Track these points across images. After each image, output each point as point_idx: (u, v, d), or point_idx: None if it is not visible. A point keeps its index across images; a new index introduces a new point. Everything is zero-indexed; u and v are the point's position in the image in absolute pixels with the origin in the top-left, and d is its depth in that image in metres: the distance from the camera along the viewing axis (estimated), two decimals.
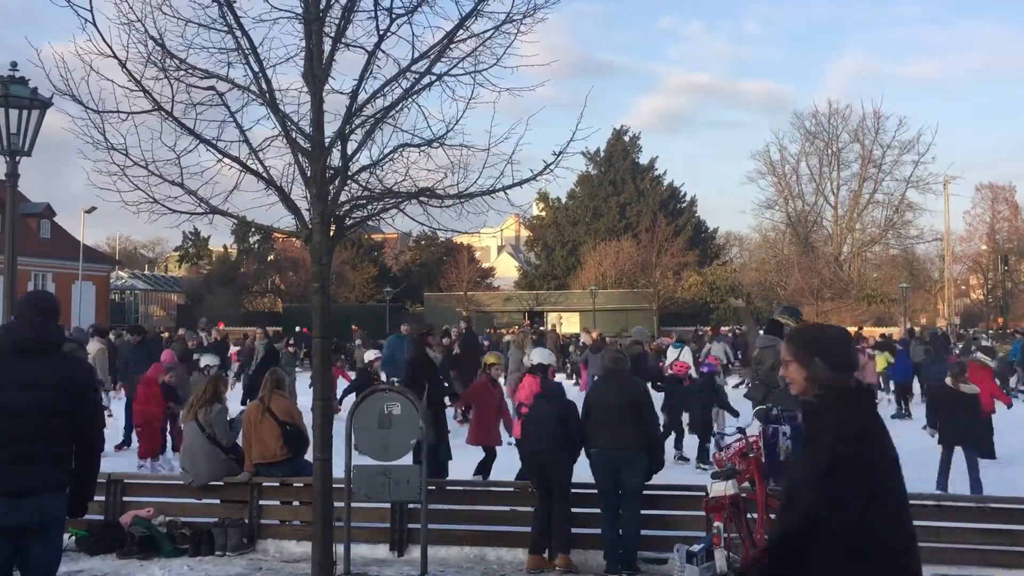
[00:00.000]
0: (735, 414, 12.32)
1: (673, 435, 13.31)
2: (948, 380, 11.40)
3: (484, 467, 10.41)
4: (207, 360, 13.90)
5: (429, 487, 7.54)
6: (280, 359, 18.44)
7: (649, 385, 13.31)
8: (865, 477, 2.92)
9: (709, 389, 13.43)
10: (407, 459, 7.56)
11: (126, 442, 14.37)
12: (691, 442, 13.13)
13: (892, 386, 21.37)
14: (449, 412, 15.32)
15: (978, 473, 10.59)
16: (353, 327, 34.91)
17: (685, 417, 13.54)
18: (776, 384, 10.37)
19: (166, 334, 27.84)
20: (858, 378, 3.20)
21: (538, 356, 9.41)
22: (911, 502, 7.71)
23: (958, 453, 10.82)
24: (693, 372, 14.90)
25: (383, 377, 15.01)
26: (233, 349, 25.47)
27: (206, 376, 13.42)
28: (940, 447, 11.04)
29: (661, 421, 13.34)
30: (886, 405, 20.55)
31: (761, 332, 11.83)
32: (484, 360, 11.47)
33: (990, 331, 45.12)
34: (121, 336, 23.07)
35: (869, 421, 3.07)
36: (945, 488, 10.48)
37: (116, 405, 15.82)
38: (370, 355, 15.19)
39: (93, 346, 15.35)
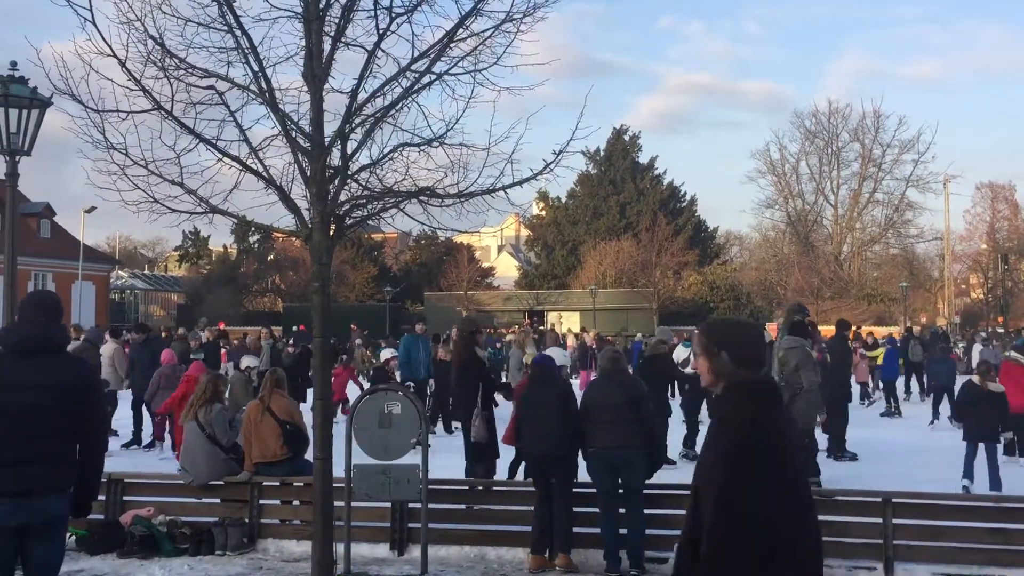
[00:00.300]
0: None
1: (687, 433, 13.29)
2: (975, 379, 11.59)
3: (516, 467, 10.26)
4: (248, 361, 13.86)
5: (430, 486, 7.54)
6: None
7: (675, 384, 13.27)
8: (766, 470, 2.92)
9: None
10: (407, 459, 7.55)
11: (135, 441, 14.36)
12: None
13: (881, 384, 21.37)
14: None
15: (998, 471, 10.85)
16: (352, 326, 34.95)
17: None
18: (800, 385, 10.43)
19: (165, 334, 27.81)
20: (767, 373, 3.21)
21: (553, 356, 9.15)
22: (915, 501, 7.65)
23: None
24: None
25: (397, 378, 14.92)
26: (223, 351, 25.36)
27: (247, 377, 13.40)
28: (965, 443, 11.26)
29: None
30: (881, 404, 20.57)
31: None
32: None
33: (988, 329, 45.07)
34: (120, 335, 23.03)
35: (772, 415, 3.08)
36: (971, 478, 10.77)
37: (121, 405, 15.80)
38: (386, 354, 15.06)
39: (109, 347, 15.39)
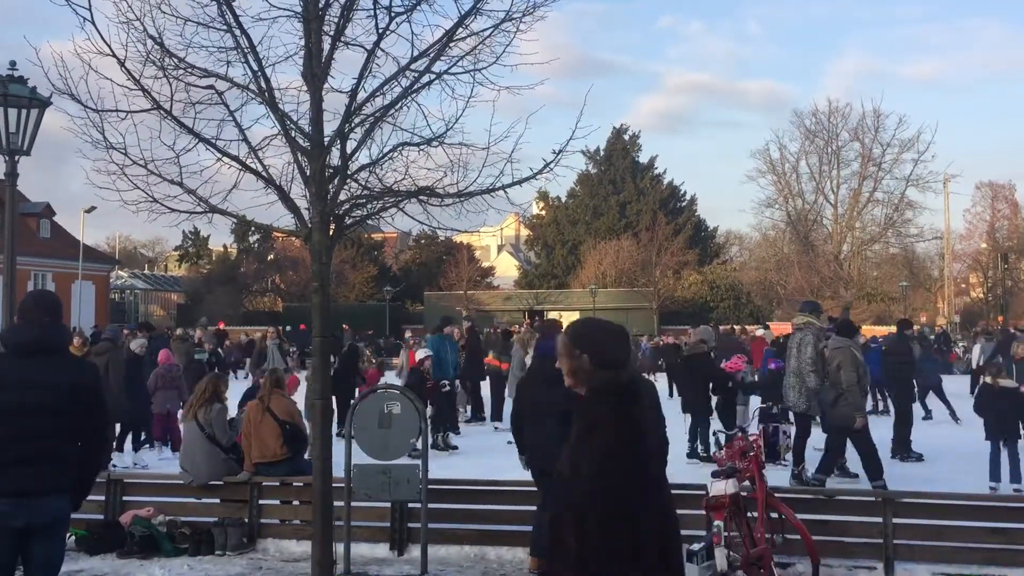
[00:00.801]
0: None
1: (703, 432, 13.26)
2: (987, 378, 11.69)
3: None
4: None
5: (429, 486, 7.53)
6: (360, 358, 18.18)
7: (711, 385, 13.19)
8: (635, 471, 2.94)
9: (774, 386, 13.38)
10: (406, 458, 7.55)
11: (146, 440, 14.33)
12: None
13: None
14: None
15: (1019, 465, 10.96)
16: (344, 326, 34.90)
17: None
18: (842, 385, 10.47)
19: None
20: (631, 373, 3.22)
21: None
22: (916, 500, 7.64)
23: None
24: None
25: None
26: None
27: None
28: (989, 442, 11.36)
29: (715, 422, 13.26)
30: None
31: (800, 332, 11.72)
32: None
33: (989, 328, 45.00)
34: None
35: (635, 416, 3.10)
36: (999, 480, 10.87)
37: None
38: (421, 354, 14.94)
39: (136, 343, 15.45)
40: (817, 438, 11.54)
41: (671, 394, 22.88)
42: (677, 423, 15.29)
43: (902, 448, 13.09)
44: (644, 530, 2.92)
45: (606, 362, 3.16)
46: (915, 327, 35.78)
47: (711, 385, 13.29)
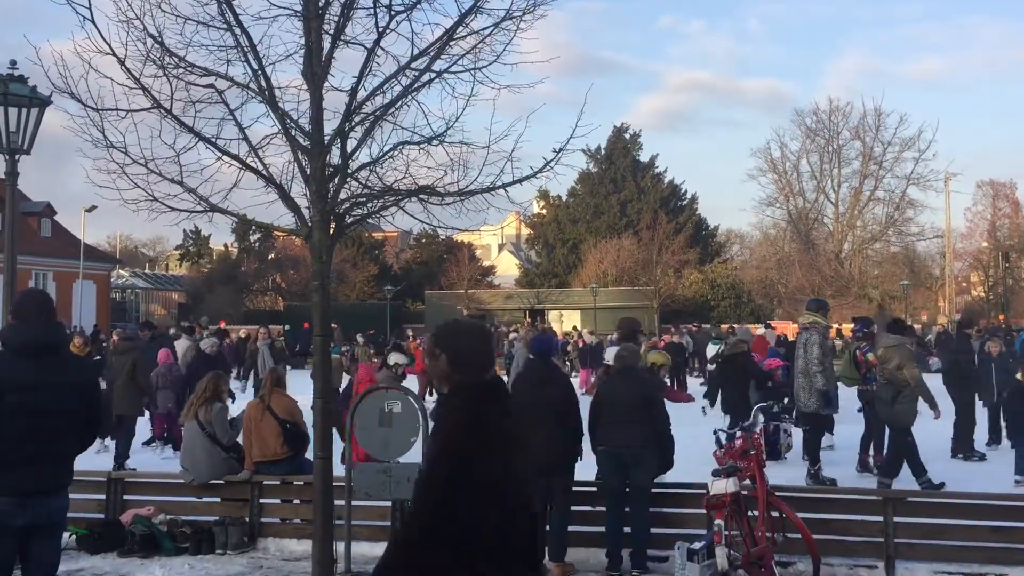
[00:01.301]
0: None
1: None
2: (1019, 375, 11.70)
3: None
4: (395, 359, 13.62)
5: None
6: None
7: (752, 384, 13.17)
8: (470, 475, 2.91)
9: None
10: (408, 457, 7.54)
11: (156, 439, 14.35)
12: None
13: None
14: None
15: None
16: (333, 324, 34.84)
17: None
18: (905, 383, 10.45)
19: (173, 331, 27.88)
20: (493, 374, 3.24)
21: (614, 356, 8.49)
22: (917, 499, 7.64)
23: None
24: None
25: None
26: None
27: (395, 375, 13.07)
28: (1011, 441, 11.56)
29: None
30: None
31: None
32: (649, 360, 10.35)
33: (978, 329, 44.94)
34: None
35: (491, 419, 3.07)
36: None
37: None
38: None
39: (207, 343, 15.52)
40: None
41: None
42: (692, 422, 15.25)
43: (964, 447, 13.00)
44: (483, 534, 2.90)
45: (463, 364, 3.17)
46: (918, 326, 35.85)
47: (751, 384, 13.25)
